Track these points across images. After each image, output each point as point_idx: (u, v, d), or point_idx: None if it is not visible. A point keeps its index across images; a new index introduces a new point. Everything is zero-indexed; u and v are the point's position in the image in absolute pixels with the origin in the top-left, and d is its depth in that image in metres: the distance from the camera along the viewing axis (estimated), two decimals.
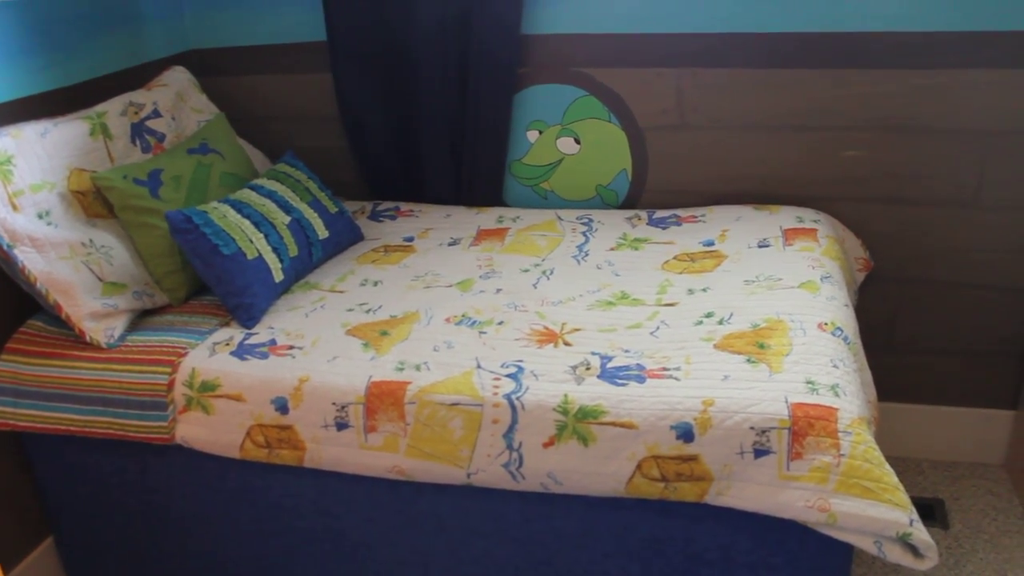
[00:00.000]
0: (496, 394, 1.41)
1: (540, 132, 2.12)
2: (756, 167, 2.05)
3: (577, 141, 2.10)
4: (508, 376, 1.44)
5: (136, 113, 1.91)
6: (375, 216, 2.15)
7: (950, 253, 2.02)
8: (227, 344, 1.62)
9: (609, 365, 1.45)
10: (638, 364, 1.44)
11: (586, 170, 2.12)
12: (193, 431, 1.56)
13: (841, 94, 1.94)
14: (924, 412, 2.18)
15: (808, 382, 1.37)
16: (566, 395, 1.38)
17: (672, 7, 1.96)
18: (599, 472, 1.36)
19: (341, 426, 1.47)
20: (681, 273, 1.75)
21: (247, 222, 1.75)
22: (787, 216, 1.96)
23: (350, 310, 1.71)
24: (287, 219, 1.85)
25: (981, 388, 2.14)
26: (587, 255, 1.86)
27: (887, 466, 1.29)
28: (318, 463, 1.50)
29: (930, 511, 2.04)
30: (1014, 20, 1.82)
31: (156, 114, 1.95)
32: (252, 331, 1.66)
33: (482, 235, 2.00)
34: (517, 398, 1.40)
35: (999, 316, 2.06)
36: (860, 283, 2.02)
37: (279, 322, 1.68)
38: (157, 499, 1.68)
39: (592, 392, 1.39)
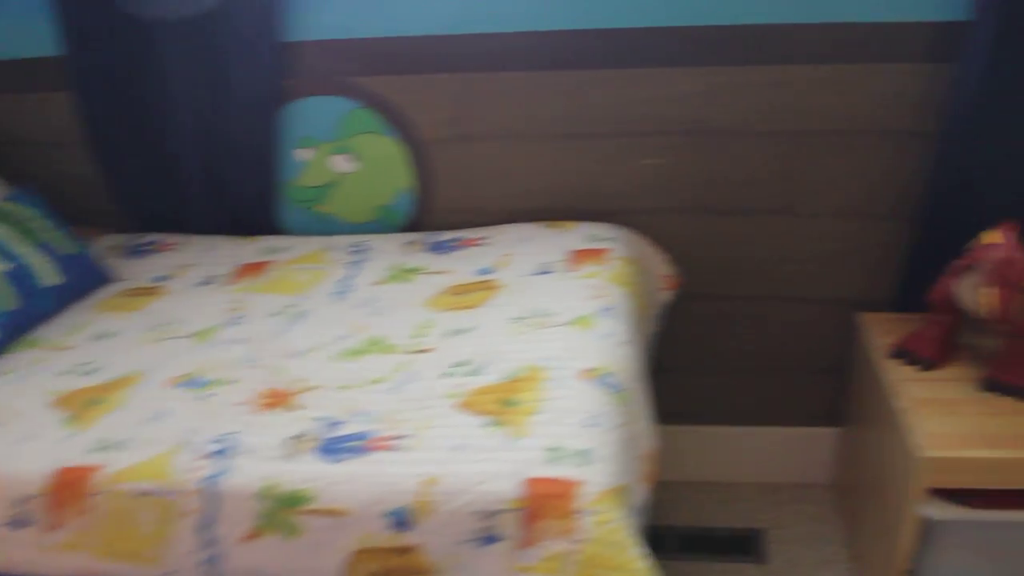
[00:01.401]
0: (194, 480, 1.19)
1: (312, 150, 1.89)
2: (551, 179, 1.87)
3: (353, 158, 1.89)
4: (214, 455, 1.23)
5: None
6: (134, 252, 1.90)
7: (764, 265, 1.88)
8: None
9: (332, 435, 1.25)
10: (365, 433, 1.25)
11: (365, 190, 1.91)
12: None
13: (637, 96, 1.77)
14: (745, 434, 2.05)
15: (552, 449, 1.19)
16: (272, 478, 1.18)
17: (448, 6, 1.75)
18: (308, 568, 1.16)
19: (19, 524, 1.24)
20: (447, 310, 1.56)
21: None
22: (579, 235, 1.78)
23: (65, 373, 1.47)
24: (6, 267, 1.61)
25: (803, 406, 2.02)
26: (350, 291, 1.65)
27: (637, 548, 1.12)
28: None
29: (747, 544, 1.91)
30: (822, 12, 1.67)
31: None
32: None
33: (243, 271, 1.77)
34: (216, 484, 1.18)
35: (817, 330, 1.94)
36: (667, 302, 1.86)
37: None
38: None
39: (303, 472, 1.18)
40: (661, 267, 1.84)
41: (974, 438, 1.46)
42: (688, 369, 1.99)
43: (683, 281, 1.88)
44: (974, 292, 1.46)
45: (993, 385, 1.58)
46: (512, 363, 1.38)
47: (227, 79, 1.81)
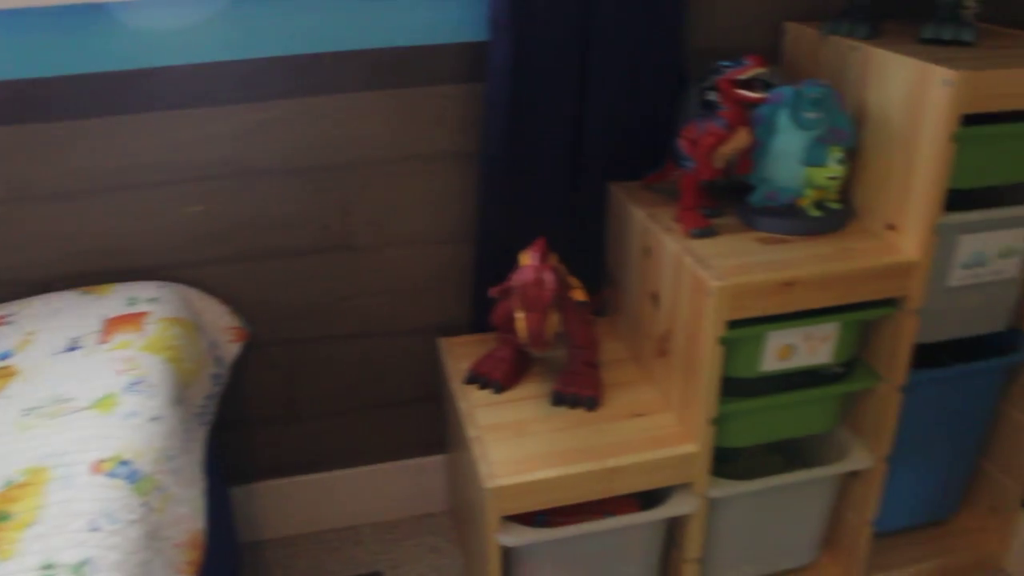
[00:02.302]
0: None
1: None
2: (86, 240, 1.64)
3: None
4: None
5: None
6: None
7: (334, 304, 1.79)
8: None
9: None
10: None
11: None
12: None
13: (161, 142, 1.59)
14: (355, 475, 1.95)
15: (46, 567, 1.00)
16: None
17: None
18: None
19: None
20: None
21: None
22: (118, 299, 1.57)
23: None
24: None
25: (412, 437, 1.96)
26: None
27: None
28: None
29: None
30: (357, 39, 1.58)
31: None
32: None
33: None
34: None
35: (410, 360, 1.88)
36: (236, 356, 1.71)
37: None
38: None
39: None
40: (223, 319, 1.68)
41: (541, 459, 1.45)
42: (275, 420, 1.86)
43: (251, 331, 1.74)
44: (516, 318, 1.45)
45: (559, 399, 1.59)
46: (15, 465, 1.16)
47: None
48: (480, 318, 1.80)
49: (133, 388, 1.33)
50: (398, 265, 1.77)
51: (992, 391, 1.71)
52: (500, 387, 1.62)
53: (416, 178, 1.71)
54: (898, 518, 1.78)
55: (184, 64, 1.54)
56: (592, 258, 1.82)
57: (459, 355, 1.76)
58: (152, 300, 1.57)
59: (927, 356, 1.70)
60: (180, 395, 1.44)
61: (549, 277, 1.38)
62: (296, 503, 1.93)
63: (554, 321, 1.42)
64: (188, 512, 1.30)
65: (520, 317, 1.40)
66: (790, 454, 1.82)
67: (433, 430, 1.96)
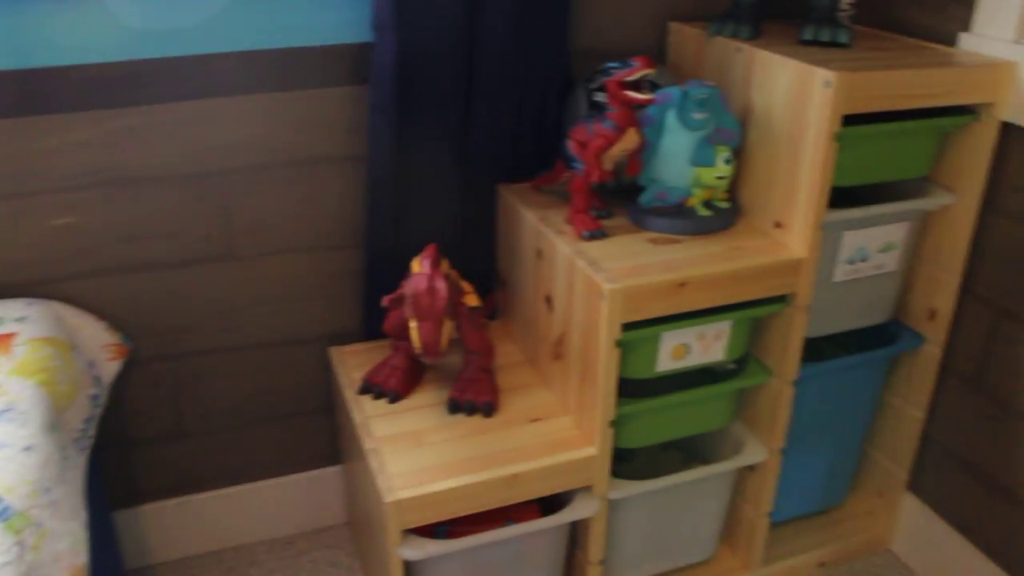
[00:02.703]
0: None
1: None
2: None
3: None
4: None
5: None
6: None
7: (219, 315, 1.71)
8: None
9: None
10: None
11: None
12: None
13: (26, 149, 1.49)
14: (248, 491, 1.88)
15: None
16: None
17: None
18: None
19: None
20: None
21: None
22: None
23: None
24: None
25: (302, 450, 1.90)
26: None
27: None
28: None
29: None
30: (237, 40, 1.52)
31: None
32: None
33: None
34: None
35: (301, 371, 1.82)
36: (117, 374, 1.62)
37: None
38: None
39: None
40: (101, 337, 1.59)
41: (441, 469, 1.42)
42: (163, 439, 1.77)
43: (132, 348, 1.66)
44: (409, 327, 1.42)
45: (455, 406, 1.56)
46: None
47: None
48: (372, 325, 1.76)
49: (1, 417, 1.25)
50: (285, 274, 1.71)
51: (876, 381, 1.77)
52: (396, 396, 1.59)
53: (301, 184, 1.66)
54: (791, 507, 1.83)
55: (46, 67, 1.44)
56: (482, 261, 1.80)
57: (352, 364, 1.72)
58: (20, 320, 1.47)
59: (812, 350, 1.74)
60: (55, 421, 1.35)
61: (441, 285, 1.35)
62: (187, 524, 1.85)
63: (448, 329, 1.40)
64: (68, 547, 1.22)
65: (414, 327, 1.36)
66: (687, 451, 1.84)
67: (327, 441, 1.90)
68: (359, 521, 1.76)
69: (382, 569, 1.50)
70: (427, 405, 1.59)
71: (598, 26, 1.75)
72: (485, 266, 1.80)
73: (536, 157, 1.74)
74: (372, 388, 1.61)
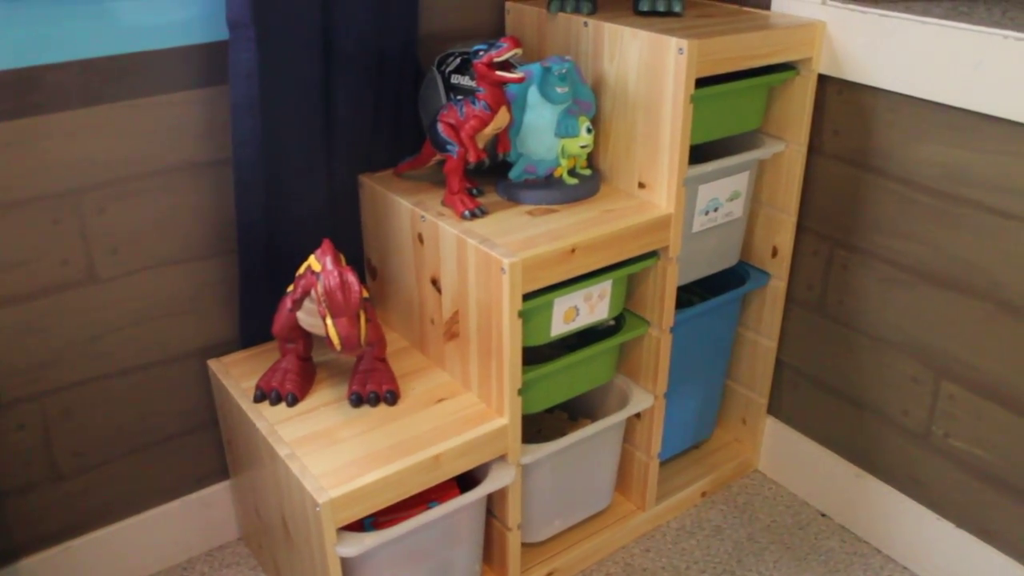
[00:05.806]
0: None
1: None
2: None
3: None
4: None
5: None
6: None
7: (85, 344, 1.60)
8: None
9: None
10: None
11: None
12: None
13: None
14: (136, 524, 1.78)
15: None
16: None
17: None
18: None
19: None
20: None
21: None
22: None
23: None
24: None
25: (187, 472, 1.82)
26: None
27: None
28: None
29: None
30: (72, 49, 1.42)
31: None
32: None
33: None
34: None
35: (180, 389, 1.74)
36: None
37: None
38: None
39: None
40: None
41: (363, 462, 1.42)
42: (43, 482, 1.65)
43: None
44: (323, 325, 1.40)
45: (359, 399, 1.56)
46: None
47: None
48: (249, 332, 1.72)
49: None
50: (152, 291, 1.63)
51: (733, 319, 1.93)
52: (294, 399, 1.57)
53: (161, 194, 1.59)
54: (670, 447, 1.96)
55: None
56: (353, 252, 1.80)
57: (237, 374, 1.67)
58: None
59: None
60: None
61: (353, 279, 1.35)
62: (75, 571, 1.73)
63: (364, 321, 1.40)
64: None
65: (330, 324, 1.35)
66: (570, 410, 1.93)
67: (211, 458, 1.84)
68: (264, 532, 1.73)
69: (313, 573, 1.48)
70: (327, 403, 1.59)
71: (437, 9, 1.78)
72: (357, 257, 1.80)
73: (398, 144, 1.76)
74: (268, 394, 1.58)
